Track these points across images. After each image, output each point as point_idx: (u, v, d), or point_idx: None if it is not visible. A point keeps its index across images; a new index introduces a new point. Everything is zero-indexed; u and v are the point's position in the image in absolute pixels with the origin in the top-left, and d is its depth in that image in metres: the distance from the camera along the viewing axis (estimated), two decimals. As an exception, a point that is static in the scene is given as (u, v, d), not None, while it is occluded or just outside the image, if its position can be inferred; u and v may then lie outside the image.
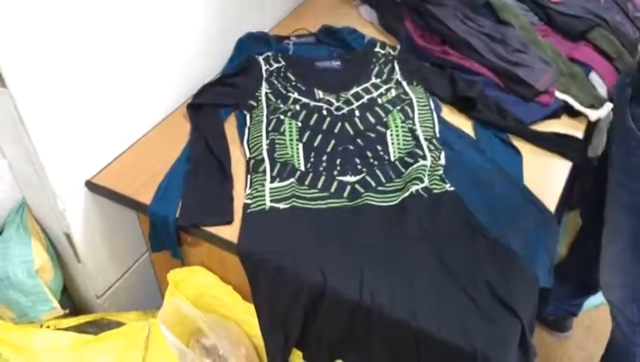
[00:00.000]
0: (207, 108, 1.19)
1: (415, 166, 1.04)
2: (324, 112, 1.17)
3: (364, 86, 1.24)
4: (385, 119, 1.15)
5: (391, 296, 0.85)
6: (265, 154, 1.07)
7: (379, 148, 1.09)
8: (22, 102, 0.89)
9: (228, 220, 0.97)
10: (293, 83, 1.24)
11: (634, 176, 1.00)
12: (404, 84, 1.25)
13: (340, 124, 1.14)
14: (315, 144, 1.10)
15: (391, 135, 1.12)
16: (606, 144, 1.27)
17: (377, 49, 1.36)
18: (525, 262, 0.91)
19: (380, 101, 1.20)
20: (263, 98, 1.20)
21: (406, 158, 1.07)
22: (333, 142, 1.11)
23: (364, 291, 0.85)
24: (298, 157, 1.07)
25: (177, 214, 0.99)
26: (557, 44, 1.32)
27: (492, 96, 1.20)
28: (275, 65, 1.29)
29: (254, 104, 1.19)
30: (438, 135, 1.13)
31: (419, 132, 1.12)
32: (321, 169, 1.05)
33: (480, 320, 0.83)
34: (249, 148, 1.10)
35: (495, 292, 0.86)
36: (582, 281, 1.49)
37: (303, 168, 1.05)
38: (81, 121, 1.01)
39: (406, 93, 1.21)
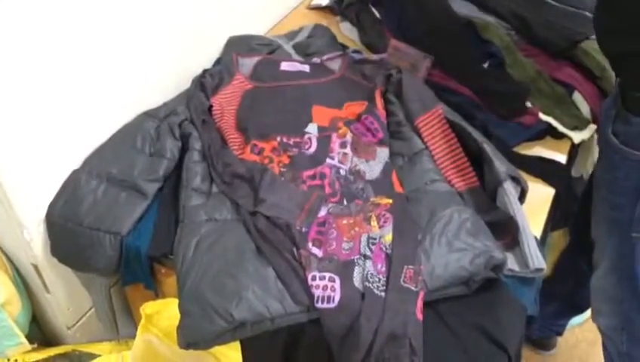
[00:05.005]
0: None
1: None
2: None
3: None
4: None
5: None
6: None
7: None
8: (-15, 131, 0.86)
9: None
10: None
11: (616, 190, 1.00)
12: None
13: None
14: None
15: None
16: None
17: None
18: (511, 291, 0.89)
19: None
20: None
21: None
22: None
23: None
24: None
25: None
26: (540, 64, 1.30)
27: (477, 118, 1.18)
28: None
29: None
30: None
31: None
32: None
33: (463, 355, 0.81)
34: None
35: (480, 324, 0.84)
36: (569, 300, 1.47)
37: None
38: (47, 150, 0.97)
39: None
